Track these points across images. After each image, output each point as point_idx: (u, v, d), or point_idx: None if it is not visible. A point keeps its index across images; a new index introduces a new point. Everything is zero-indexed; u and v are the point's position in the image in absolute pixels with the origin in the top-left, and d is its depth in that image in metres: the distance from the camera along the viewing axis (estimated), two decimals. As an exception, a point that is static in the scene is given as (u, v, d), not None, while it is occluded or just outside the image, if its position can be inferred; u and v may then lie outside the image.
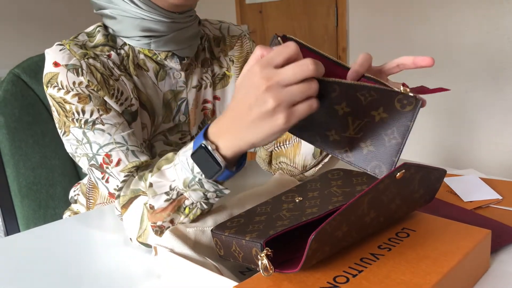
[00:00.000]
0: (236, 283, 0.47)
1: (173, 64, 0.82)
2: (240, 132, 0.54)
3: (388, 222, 0.54)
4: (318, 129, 0.56)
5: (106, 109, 0.73)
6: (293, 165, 0.82)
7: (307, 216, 0.52)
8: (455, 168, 0.87)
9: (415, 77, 2.58)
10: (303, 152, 0.80)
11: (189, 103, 0.86)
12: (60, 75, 0.72)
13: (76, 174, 1.13)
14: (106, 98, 0.74)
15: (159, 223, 0.62)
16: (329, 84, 0.51)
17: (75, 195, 0.99)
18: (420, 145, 2.68)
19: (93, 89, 0.73)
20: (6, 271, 0.65)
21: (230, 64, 0.91)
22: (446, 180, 0.80)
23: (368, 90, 0.52)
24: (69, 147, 0.74)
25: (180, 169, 0.60)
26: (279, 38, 0.54)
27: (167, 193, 0.61)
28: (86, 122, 0.71)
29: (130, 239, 0.67)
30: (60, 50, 0.74)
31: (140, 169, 0.71)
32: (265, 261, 0.46)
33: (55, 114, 0.75)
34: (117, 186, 0.69)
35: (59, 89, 0.72)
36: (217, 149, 0.56)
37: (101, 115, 0.72)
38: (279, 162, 0.86)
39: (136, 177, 0.69)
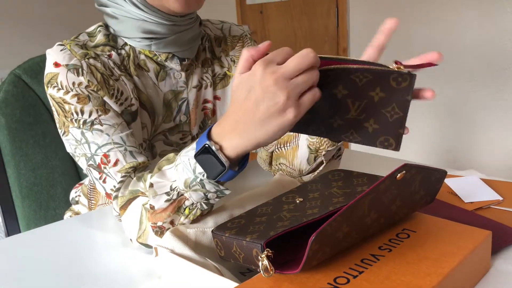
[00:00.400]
0: (236, 284, 0.47)
1: (173, 65, 0.82)
2: (246, 132, 0.54)
3: (388, 223, 0.54)
4: (322, 118, 0.57)
5: (105, 109, 0.73)
6: (292, 167, 0.83)
7: (307, 217, 0.52)
8: (455, 169, 0.87)
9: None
10: (299, 155, 0.80)
11: (189, 103, 0.86)
12: (60, 75, 0.72)
13: (76, 174, 1.13)
14: (105, 98, 0.74)
15: (159, 223, 0.62)
16: (324, 72, 0.53)
17: (76, 196, 0.99)
18: (420, 146, 2.68)
19: (92, 90, 0.73)
20: (7, 271, 0.65)
21: (231, 64, 0.91)
22: (447, 181, 0.80)
23: (362, 72, 0.53)
24: (69, 147, 0.75)
25: (181, 169, 0.60)
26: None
27: (167, 193, 0.61)
28: (84, 122, 0.72)
29: (130, 240, 0.67)
30: (61, 50, 0.74)
31: (137, 170, 0.71)
32: (266, 262, 0.46)
33: (55, 114, 0.75)
34: (114, 186, 0.70)
35: (59, 89, 0.72)
36: (221, 149, 0.56)
37: (99, 115, 0.72)
38: (279, 164, 0.87)
39: (135, 178, 0.69)
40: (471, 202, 0.71)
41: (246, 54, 0.53)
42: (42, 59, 1.07)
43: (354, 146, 2.90)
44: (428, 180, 0.56)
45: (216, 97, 0.90)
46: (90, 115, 0.72)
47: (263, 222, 0.54)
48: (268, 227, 0.51)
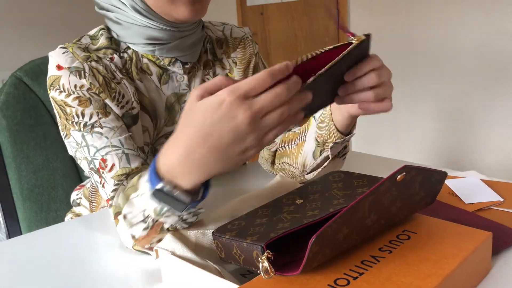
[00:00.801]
0: (237, 286, 0.47)
1: (176, 69, 0.82)
2: (202, 166, 0.52)
3: (389, 225, 0.55)
4: (326, 94, 0.63)
5: (106, 112, 0.73)
6: (295, 165, 0.83)
7: (308, 218, 0.52)
8: (456, 170, 0.87)
9: (415, 80, 2.58)
10: (305, 149, 0.80)
11: None
12: (63, 78, 0.72)
13: (77, 176, 1.13)
14: (107, 101, 0.74)
15: (147, 246, 0.63)
16: (309, 85, 0.53)
17: (77, 198, 0.99)
18: (421, 147, 2.68)
19: (94, 92, 0.73)
20: (8, 273, 0.65)
21: (233, 66, 0.91)
22: (447, 182, 0.80)
23: (335, 64, 0.56)
24: (70, 150, 0.75)
25: (147, 198, 0.58)
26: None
27: (143, 221, 0.60)
28: (85, 125, 0.72)
29: (127, 247, 0.67)
30: (63, 53, 0.74)
31: (130, 177, 0.71)
32: (266, 263, 0.46)
33: (57, 117, 0.75)
34: (111, 192, 0.70)
35: (61, 92, 0.72)
36: (176, 187, 0.54)
37: (100, 118, 0.72)
38: (282, 163, 0.87)
39: (122, 190, 0.68)
40: (472, 203, 0.71)
41: (220, 79, 0.50)
42: (43, 61, 1.08)
43: (354, 147, 2.90)
44: (428, 182, 0.56)
45: None
46: (90, 117, 0.72)
47: (263, 223, 0.54)
48: (268, 228, 0.52)
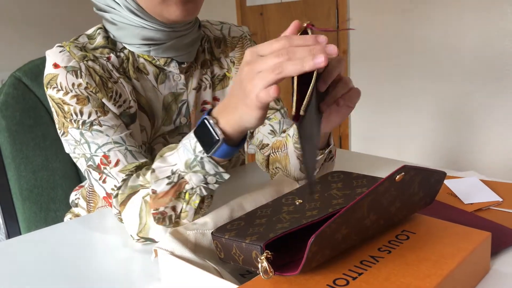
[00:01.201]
0: (236, 286, 0.47)
1: (171, 68, 0.82)
2: (234, 110, 0.59)
3: (388, 225, 0.55)
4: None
5: (104, 111, 0.73)
6: (286, 173, 0.83)
7: (307, 218, 0.52)
8: (455, 170, 0.87)
9: (414, 80, 2.58)
10: (291, 164, 0.80)
11: (189, 105, 0.86)
12: (60, 76, 0.72)
13: (77, 177, 1.13)
14: (104, 100, 0.74)
15: (161, 209, 0.64)
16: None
17: (76, 199, 0.99)
18: (420, 147, 2.68)
19: (91, 91, 0.73)
20: (7, 273, 0.65)
21: (230, 65, 0.91)
22: (447, 182, 0.80)
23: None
24: (68, 148, 0.75)
25: (182, 151, 0.63)
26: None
27: (168, 177, 0.64)
28: (83, 123, 0.72)
29: (131, 236, 0.67)
30: (60, 51, 0.74)
31: (140, 169, 0.71)
32: (265, 264, 0.46)
33: (54, 115, 0.75)
34: (115, 186, 0.70)
35: (58, 90, 0.72)
36: (217, 123, 0.61)
37: (99, 116, 0.73)
38: (275, 168, 0.87)
39: (134, 175, 0.69)
40: (471, 203, 0.71)
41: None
42: (42, 61, 1.08)
43: (354, 148, 2.90)
44: (428, 182, 0.56)
45: (215, 98, 0.90)
46: (89, 116, 0.72)
47: (262, 224, 0.54)
48: (267, 229, 0.52)
